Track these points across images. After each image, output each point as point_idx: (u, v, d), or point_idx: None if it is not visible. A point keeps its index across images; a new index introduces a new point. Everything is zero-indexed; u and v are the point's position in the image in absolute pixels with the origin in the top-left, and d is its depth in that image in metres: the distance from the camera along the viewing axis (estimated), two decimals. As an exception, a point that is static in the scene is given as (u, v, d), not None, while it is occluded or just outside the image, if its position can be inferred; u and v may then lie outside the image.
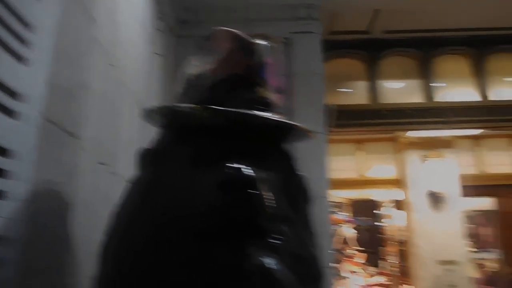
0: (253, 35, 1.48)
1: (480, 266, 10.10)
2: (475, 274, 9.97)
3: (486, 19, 3.97)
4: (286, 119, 1.36)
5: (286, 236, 1.10)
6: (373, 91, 4.25)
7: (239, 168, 1.08)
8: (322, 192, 3.00)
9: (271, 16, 3.39)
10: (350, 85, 4.38)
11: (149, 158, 1.25)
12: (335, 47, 4.08)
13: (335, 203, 11.06)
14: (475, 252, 9.94)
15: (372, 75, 4.23)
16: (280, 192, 1.16)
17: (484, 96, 4.32)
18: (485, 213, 9.71)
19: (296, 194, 1.30)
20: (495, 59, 4.40)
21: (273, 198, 1.11)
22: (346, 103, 4.05)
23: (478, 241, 10.46)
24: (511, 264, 6.87)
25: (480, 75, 4.32)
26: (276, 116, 1.32)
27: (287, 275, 1.02)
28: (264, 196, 1.07)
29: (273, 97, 1.42)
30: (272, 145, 1.29)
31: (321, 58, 3.36)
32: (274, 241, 1.06)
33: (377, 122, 4.11)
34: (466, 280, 5.84)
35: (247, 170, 1.08)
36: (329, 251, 3.01)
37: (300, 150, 2.71)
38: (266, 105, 1.35)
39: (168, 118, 1.30)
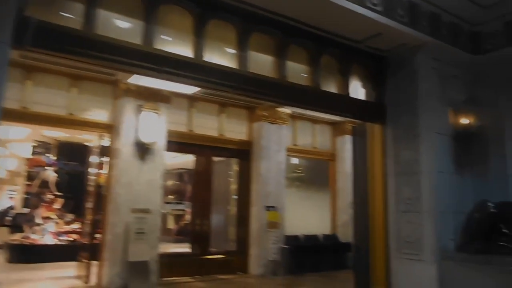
0: None
1: (175, 217, 11.09)
2: (170, 223, 10.89)
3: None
4: None
5: None
6: (91, 19, 3.79)
7: None
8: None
9: None
10: (64, 5, 3.81)
11: None
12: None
13: (40, 143, 10.04)
14: (171, 204, 10.82)
15: (93, 0, 3.77)
16: None
17: (200, 56, 4.46)
18: (185, 170, 10.64)
19: None
20: (216, 24, 4.59)
21: None
22: (53, 22, 3.47)
23: (176, 194, 11.43)
24: (199, 216, 7.66)
25: (200, 35, 4.43)
26: None
27: None
28: None
29: None
30: None
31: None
32: None
33: (90, 53, 3.68)
34: (155, 228, 6.17)
35: None
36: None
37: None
38: None
39: None
